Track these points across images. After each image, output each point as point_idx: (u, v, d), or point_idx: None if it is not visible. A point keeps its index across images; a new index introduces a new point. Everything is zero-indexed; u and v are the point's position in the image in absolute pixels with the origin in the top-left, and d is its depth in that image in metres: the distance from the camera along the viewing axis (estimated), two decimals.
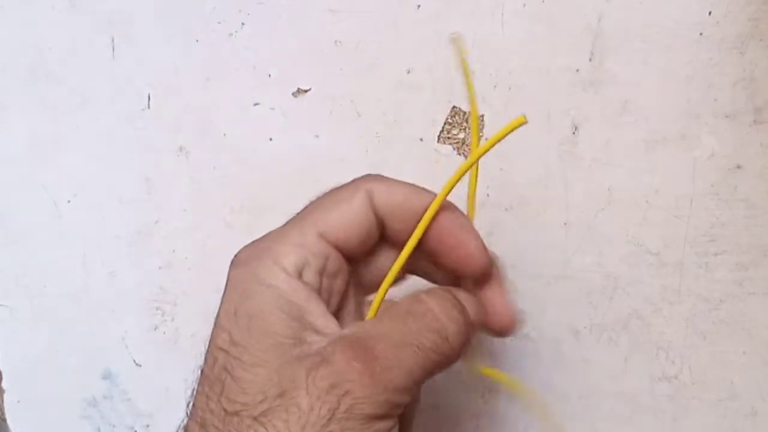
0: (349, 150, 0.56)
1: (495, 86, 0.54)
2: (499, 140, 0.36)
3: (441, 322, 0.34)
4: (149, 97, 0.58)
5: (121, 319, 0.60)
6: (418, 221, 0.36)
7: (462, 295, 0.36)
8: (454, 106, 0.55)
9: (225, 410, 0.32)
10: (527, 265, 0.55)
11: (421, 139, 0.55)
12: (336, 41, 0.56)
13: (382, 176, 0.38)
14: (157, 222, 0.59)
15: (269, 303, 0.33)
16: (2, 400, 0.61)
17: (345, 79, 0.56)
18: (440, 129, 0.55)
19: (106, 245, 0.59)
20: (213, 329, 0.34)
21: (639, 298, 0.54)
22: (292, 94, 0.57)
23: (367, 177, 0.38)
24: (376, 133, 0.56)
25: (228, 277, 0.35)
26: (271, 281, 0.33)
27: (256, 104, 0.57)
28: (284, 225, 0.37)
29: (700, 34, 0.51)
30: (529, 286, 0.55)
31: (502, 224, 0.55)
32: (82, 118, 0.59)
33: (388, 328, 0.33)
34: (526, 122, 0.32)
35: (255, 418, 0.31)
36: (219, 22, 0.57)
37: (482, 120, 0.54)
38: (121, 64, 0.59)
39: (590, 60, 0.53)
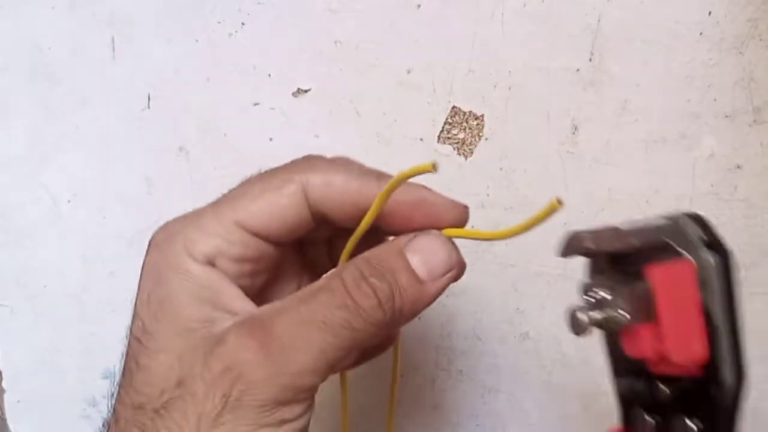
0: (349, 150, 0.56)
1: (495, 86, 0.54)
2: (533, 226, 0.34)
3: (352, 297, 0.31)
4: (149, 97, 0.58)
5: (121, 319, 0.60)
6: (361, 213, 0.34)
7: (412, 259, 0.33)
8: (454, 106, 0.55)
9: (132, 403, 0.30)
10: (527, 265, 0.55)
11: (421, 139, 0.55)
12: (336, 41, 0.56)
13: (321, 161, 0.35)
14: (157, 222, 0.59)
15: (179, 288, 0.32)
16: (2, 400, 0.61)
17: (345, 79, 0.56)
18: (440, 129, 0.55)
19: (106, 245, 0.59)
20: (132, 316, 0.33)
21: None
22: (292, 94, 0.57)
23: (304, 163, 0.35)
24: (376, 133, 0.56)
25: (144, 261, 0.34)
26: (181, 266, 0.32)
27: (256, 104, 0.57)
28: (206, 206, 0.35)
29: (700, 34, 0.51)
30: (529, 286, 0.55)
31: (502, 224, 0.55)
32: (82, 118, 0.59)
33: (293, 305, 0.31)
34: (561, 206, 0.30)
35: (156, 411, 0.29)
36: (219, 22, 0.57)
37: (482, 120, 0.54)
38: (121, 64, 0.59)
39: (590, 60, 0.53)
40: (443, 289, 0.33)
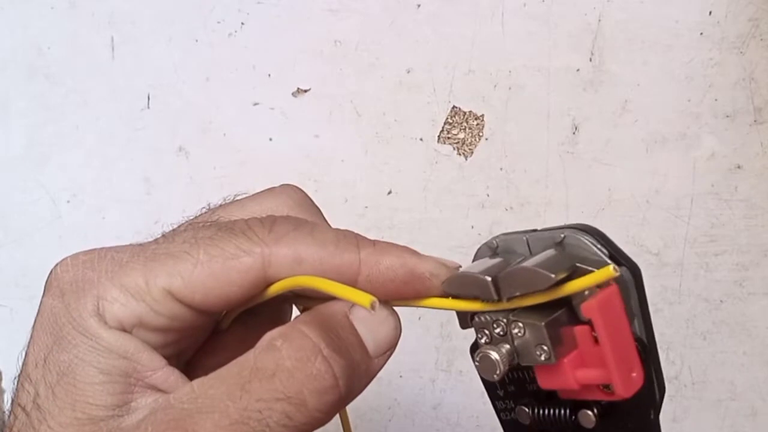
0: (349, 150, 0.56)
1: (495, 86, 0.54)
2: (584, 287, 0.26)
3: (295, 383, 0.24)
4: (149, 97, 0.58)
5: None
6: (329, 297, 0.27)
7: (357, 316, 0.27)
8: (454, 106, 0.55)
9: None
10: None
11: (421, 139, 0.55)
12: (336, 41, 0.56)
13: (287, 226, 0.27)
14: (157, 222, 0.59)
15: (85, 358, 0.25)
16: (2, 400, 0.61)
17: (345, 79, 0.56)
18: (440, 129, 0.55)
19: (105, 245, 0.59)
20: (19, 374, 0.27)
21: None
22: (292, 94, 0.57)
23: (267, 230, 0.27)
24: (376, 133, 0.56)
25: (41, 303, 0.27)
26: (90, 329, 0.25)
27: (256, 104, 0.57)
28: (134, 253, 0.27)
29: (701, 34, 0.51)
30: None
31: (502, 224, 0.55)
32: (82, 118, 0.59)
33: (221, 395, 0.24)
34: (616, 274, 0.24)
35: None
36: (219, 22, 0.57)
37: (482, 120, 0.54)
38: (121, 64, 0.59)
39: (590, 60, 0.53)
40: (382, 366, 0.28)
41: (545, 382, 0.27)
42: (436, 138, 0.55)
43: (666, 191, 0.52)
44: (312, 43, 0.56)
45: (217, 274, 0.26)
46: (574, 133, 0.53)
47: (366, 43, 0.55)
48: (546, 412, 0.29)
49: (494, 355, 0.26)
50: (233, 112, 0.57)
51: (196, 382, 0.25)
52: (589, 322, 0.26)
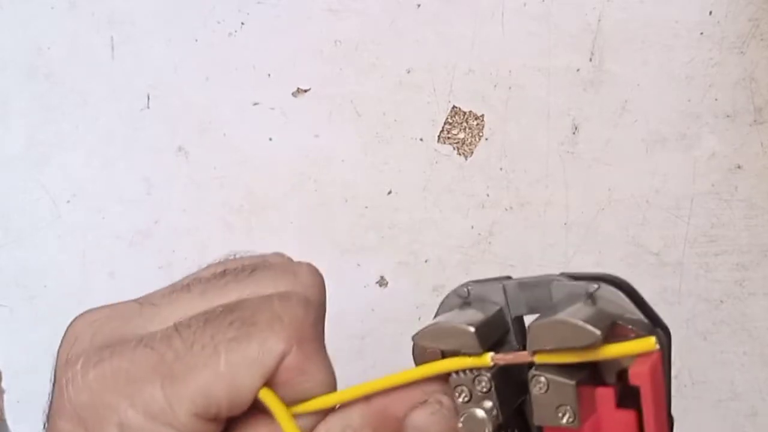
0: (349, 150, 0.56)
1: (495, 86, 0.54)
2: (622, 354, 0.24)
3: None
4: (149, 97, 0.58)
5: None
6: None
7: None
8: (454, 106, 0.55)
9: None
10: (527, 265, 0.55)
11: (421, 139, 0.55)
12: (336, 41, 0.56)
13: (314, 341, 0.26)
14: (156, 222, 0.59)
15: None
16: (2, 400, 0.61)
17: (345, 79, 0.56)
18: (440, 129, 0.55)
19: (106, 245, 0.59)
20: None
21: None
22: (292, 94, 0.57)
23: (282, 340, 0.25)
24: (376, 133, 0.56)
25: (58, 428, 0.25)
26: None
27: (255, 104, 0.57)
28: (150, 360, 0.25)
29: (701, 34, 0.51)
30: None
31: (502, 224, 0.55)
32: (82, 118, 0.59)
33: None
34: (657, 348, 0.23)
35: None
36: (219, 22, 0.57)
37: (482, 120, 0.54)
38: (121, 64, 0.59)
39: (590, 60, 0.53)
40: None
41: None
42: (436, 138, 0.55)
43: (666, 191, 0.52)
44: (312, 43, 0.56)
45: (239, 384, 0.24)
46: (574, 133, 0.53)
47: (366, 43, 0.55)
48: None
49: (480, 413, 0.24)
50: (233, 112, 0.57)
51: None
52: (616, 385, 0.24)
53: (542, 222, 0.54)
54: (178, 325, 0.25)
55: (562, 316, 0.23)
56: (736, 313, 0.52)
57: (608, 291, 0.25)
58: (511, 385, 0.25)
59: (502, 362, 0.24)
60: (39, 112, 0.60)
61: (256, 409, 0.25)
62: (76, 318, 0.27)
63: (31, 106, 0.60)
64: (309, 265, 0.28)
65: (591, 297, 0.25)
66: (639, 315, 0.25)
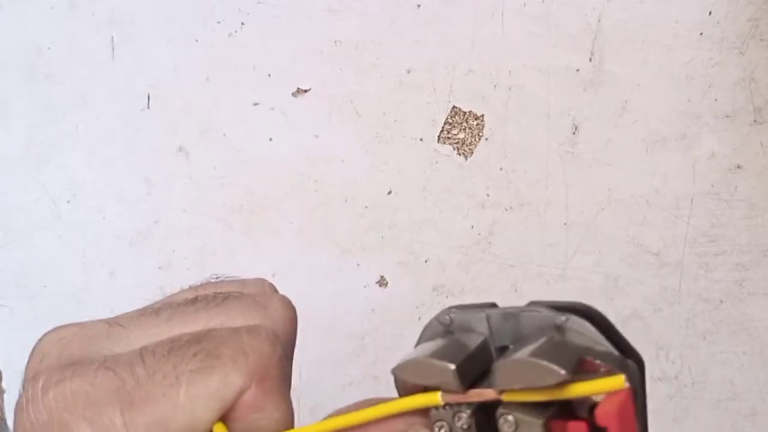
0: (349, 150, 0.56)
1: (495, 86, 0.54)
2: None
3: None
4: (149, 97, 0.58)
5: None
6: None
7: None
8: (454, 106, 0.55)
9: None
10: (527, 265, 0.55)
11: (421, 139, 0.55)
12: (336, 41, 0.56)
13: (268, 363, 0.26)
14: (157, 222, 0.59)
15: None
16: (2, 400, 0.61)
17: (345, 79, 0.56)
18: (440, 129, 0.55)
19: (106, 245, 0.59)
20: None
21: (639, 298, 0.54)
22: (292, 94, 0.57)
23: (250, 361, 0.25)
24: (376, 133, 0.56)
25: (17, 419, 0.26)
26: None
27: (256, 104, 0.57)
28: (111, 383, 0.26)
29: (701, 34, 0.51)
30: (529, 286, 0.55)
31: (502, 224, 0.55)
32: (82, 118, 0.59)
33: None
34: (627, 387, 0.23)
35: None
36: (219, 22, 0.57)
37: (482, 120, 0.54)
38: (121, 64, 0.59)
39: (590, 60, 0.53)
40: None
41: None
42: (436, 138, 0.55)
43: (666, 191, 0.52)
44: (312, 43, 0.56)
45: (197, 417, 0.24)
46: (574, 133, 0.53)
47: (366, 43, 0.55)
48: None
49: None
50: (233, 112, 0.57)
51: None
52: (588, 419, 0.23)
53: (542, 222, 0.54)
54: (143, 350, 0.25)
55: (525, 355, 0.23)
56: (736, 313, 0.52)
57: (576, 323, 0.24)
58: (491, 421, 0.24)
59: (454, 402, 0.24)
60: (39, 112, 0.59)
61: None
62: (44, 335, 0.27)
63: (31, 106, 0.60)
64: (282, 297, 0.28)
65: (559, 329, 0.24)
66: (608, 347, 0.24)
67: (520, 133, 0.54)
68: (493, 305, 0.26)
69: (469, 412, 0.24)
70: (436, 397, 0.24)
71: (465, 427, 0.24)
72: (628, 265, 0.53)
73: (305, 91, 0.57)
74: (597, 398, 0.23)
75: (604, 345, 0.24)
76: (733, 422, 0.53)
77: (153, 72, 0.58)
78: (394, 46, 0.55)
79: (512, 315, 0.26)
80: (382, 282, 0.56)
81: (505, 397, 0.23)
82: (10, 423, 0.61)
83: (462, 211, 0.55)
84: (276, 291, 0.29)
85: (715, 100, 0.51)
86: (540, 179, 0.54)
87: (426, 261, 0.56)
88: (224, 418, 0.25)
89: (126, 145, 0.59)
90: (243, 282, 0.29)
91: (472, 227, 0.55)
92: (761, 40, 0.50)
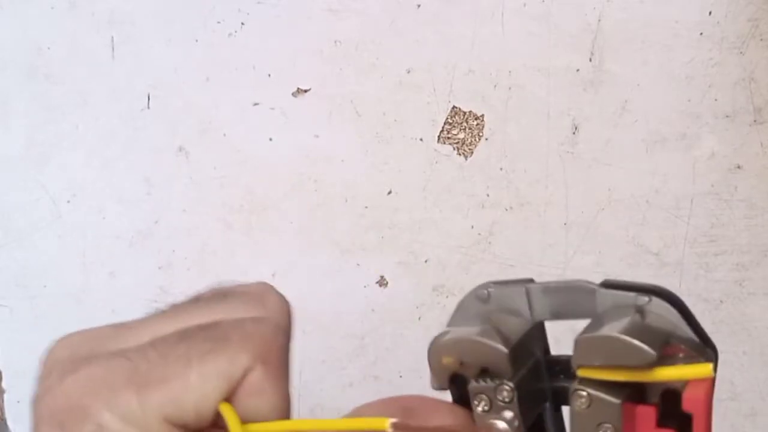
0: (349, 150, 0.56)
1: (495, 86, 0.54)
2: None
3: None
4: (149, 97, 0.58)
5: (121, 319, 0.60)
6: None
7: None
8: (454, 106, 0.55)
9: None
10: (527, 265, 0.55)
11: (421, 139, 0.55)
12: (336, 41, 0.56)
13: (272, 343, 0.27)
14: (157, 222, 0.59)
15: None
16: (2, 400, 0.61)
17: (345, 79, 0.56)
18: (440, 129, 0.55)
19: (106, 245, 0.59)
20: None
21: None
22: (292, 94, 0.57)
23: (254, 341, 0.27)
24: (376, 133, 0.56)
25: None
26: None
27: (256, 104, 0.57)
28: (127, 369, 0.27)
29: (700, 34, 0.51)
30: None
31: (502, 224, 0.55)
32: (82, 118, 0.59)
33: None
34: (713, 375, 0.22)
35: None
36: (219, 22, 0.57)
37: (482, 120, 0.54)
38: (121, 64, 0.59)
39: (590, 60, 0.53)
40: None
41: None
42: (436, 138, 0.55)
43: (666, 191, 0.52)
44: (312, 43, 0.56)
45: (208, 395, 0.26)
46: (574, 133, 0.53)
47: (366, 43, 0.55)
48: None
49: (502, 425, 0.24)
50: (233, 112, 0.57)
51: None
52: (658, 404, 0.23)
53: (542, 222, 0.54)
54: (154, 340, 0.27)
55: (614, 332, 0.22)
56: (736, 313, 0.52)
57: (659, 306, 0.24)
58: (532, 395, 0.24)
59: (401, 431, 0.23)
60: (39, 112, 0.59)
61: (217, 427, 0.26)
62: (53, 342, 0.28)
63: (31, 106, 0.60)
64: (280, 294, 0.29)
65: (640, 311, 0.24)
66: (691, 334, 0.24)
67: (520, 133, 0.54)
68: (531, 280, 0.26)
69: (511, 385, 0.24)
70: (385, 424, 0.23)
71: (507, 400, 0.24)
72: (628, 265, 0.53)
73: (305, 91, 0.57)
74: (674, 385, 0.23)
75: (686, 331, 0.24)
76: (733, 422, 0.53)
77: (153, 72, 0.58)
78: (394, 46, 0.55)
79: (553, 290, 0.25)
80: (382, 282, 0.56)
81: (581, 373, 0.23)
82: (10, 423, 0.61)
83: (462, 211, 0.55)
84: (274, 289, 0.30)
85: (715, 100, 0.51)
86: (540, 179, 0.54)
87: (426, 261, 0.56)
88: (228, 400, 0.25)
89: (126, 145, 0.59)
90: (242, 284, 0.30)
91: (472, 227, 0.55)
92: (761, 40, 0.50)
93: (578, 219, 0.53)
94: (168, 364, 0.26)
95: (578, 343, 0.23)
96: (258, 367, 0.26)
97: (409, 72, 0.55)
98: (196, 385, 0.26)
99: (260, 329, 0.27)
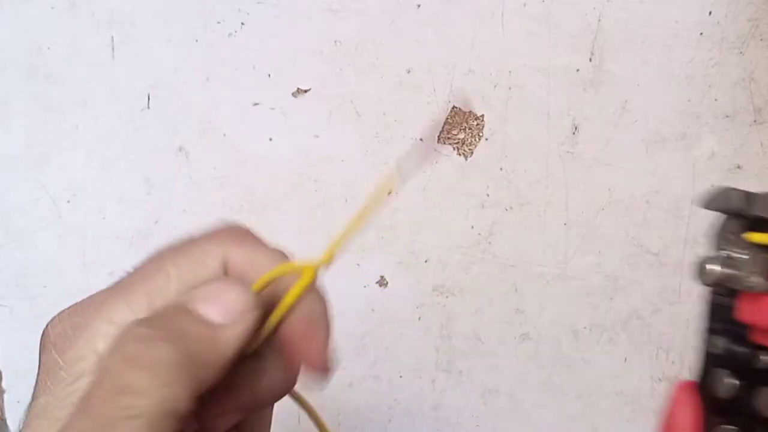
0: (349, 150, 0.56)
1: (495, 86, 0.54)
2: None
3: (134, 369, 0.25)
4: (149, 97, 0.58)
5: None
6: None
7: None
8: (454, 106, 0.55)
9: None
10: (527, 265, 0.55)
11: (421, 139, 0.55)
12: (336, 41, 0.56)
13: (241, 233, 0.30)
14: (157, 222, 0.59)
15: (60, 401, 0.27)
16: (2, 400, 0.61)
17: (345, 79, 0.56)
18: (440, 129, 0.55)
19: (106, 245, 0.59)
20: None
21: (639, 298, 0.54)
22: (292, 94, 0.57)
23: (222, 236, 0.30)
24: (376, 133, 0.56)
25: (40, 362, 0.28)
26: (87, 373, 0.27)
27: (256, 104, 0.57)
28: (110, 289, 0.29)
29: (700, 34, 0.51)
30: (529, 286, 0.55)
31: (502, 224, 0.55)
32: (82, 118, 0.59)
33: (73, 420, 0.25)
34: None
35: None
36: (219, 22, 0.57)
37: (482, 120, 0.54)
38: (121, 64, 0.59)
39: (590, 60, 0.53)
40: (249, 328, 0.28)
41: (743, 312, 0.28)
42: (436, 138, 0.55)
43: (666, 191, 0.52)
44: (312, 43, 0.56)
45: (187, 280, 0.28)
46: (574, 133, 0.53)
47: (366, 43, 0.55)
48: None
49: (710, 266, 0.29)
50: (233, 112, 0.57)
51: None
52: None
53: (542, 222, 0.54)
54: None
55: None
56: None
57: None
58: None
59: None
60: (39, 112, 0.59)
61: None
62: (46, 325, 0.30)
63: (31, 106, 0.59)
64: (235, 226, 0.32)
65: None
66: None
67: (520, 133, 0.54)
68: None
69: (749, 254, 0.28)
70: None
71: (732, 255, 0.28)
72: (628, 265, 0.53)
73: (305, 91, 0.57)
74: None
75: None
76: None
77: (153, 72, 0.58)
78: (394, 46, 0.55)
79: None
80: (382, 282, 0.56)
81: None
82: (10, 423, 0.61)
83: (462, 211, 0.55)
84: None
85: (715, 100, 0.51)
86: (540, 179, 0.54)
87: (426, 261, 0.56)
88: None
89: (126, 145, 0.59)
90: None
91: (472, 227, 0.55)
92: (761, 40, 0.50)
93: (578, 219, 0.53)
94: (147, 268, 0.29)
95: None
96: (233, 248, 0.29)
97: (409, 72, 0.55)
98: (174, 275, 0.28)
99: (225, 228, 0.30)
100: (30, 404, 0.27)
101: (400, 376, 0.57)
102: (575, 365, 0.55)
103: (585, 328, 0.54)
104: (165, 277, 0.28)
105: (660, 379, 0.54)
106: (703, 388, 0.31)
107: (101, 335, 0.27)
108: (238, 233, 0.30)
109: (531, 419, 0.56)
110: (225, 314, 0.27)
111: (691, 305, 0.53)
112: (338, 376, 0.58)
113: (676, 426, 0.31)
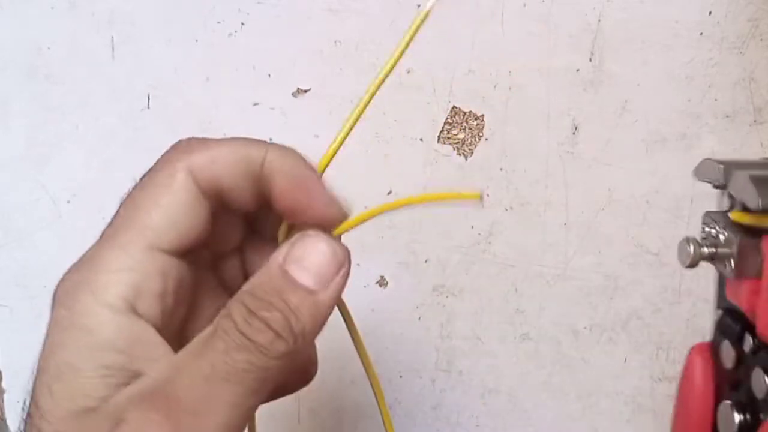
0: (349, 150, 0.56)
1: (495, 86, 0.54)
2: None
3: (247, 336, 0.27)
4: (149, 97, 0.58)
5: None
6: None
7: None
8: (454, 106, 0.55)
9: None
10: (527, 265, 0.55)
11: (421, 139, 0.55)
12: (336, 41, 0.56)
13: (196, 141, 0.31)
14: None
15: (83, 354, 0.27)
16: (2, 400, 0.61)
17: (345, 79, 0.56)
18: (440, 129, 0.55)
19: None
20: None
21: (639, 298, 0.54)
22: (292, 94, 0.57)
23: (178, 149, 0.31)
24: (376, 133, 0.56)
25: (50, 317, 0.29)
26: (91, 324, 0.27)
27: (256, 104, 0.57)
28: (101, 241, 0.31)
29: (700, 34, 0.51)
30: (529, 286, 0.55)
31: (502, 224, 0.55)
32: (82, 118, 0.59)
33: (189, 362, 0.26)
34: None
35: None
36: (219, 22, 0.57)
37: (482, 120, 0.54)
38: (121, 64, 0.59)
39: (590, 60, 0.53)
40: (340, 290, 0.30)
41: (728, 291, 0.30)
42: (436, 138, 0.55)
43: (666, 191, 0.52)
44: (312, 43, 0.56)
45: (168, 205, 0.29)
46: (574, 133, 0.53)
47: (366, 43, 0.55)
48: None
49: (690, 246, 0.29)
50: (233, 112, 0.57)
51: (165, 360, 0.27)
52: None
53: (542, 222, 0.54)
54: None
55: None
56: None
57: None
58: None
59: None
60: (39, 112, 0.59)
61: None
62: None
63: (31, 106, 0.59)
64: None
65: None
66: None
67: (520, 133, 0.54)
68: None
69: (727, 234, 0.28)
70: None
71: (715, 234, 0.29)
72: (628, 265, 0.53)
73: (305, 91, 0.57)
74: None
75: None
76: None
77: (153, 72, 0.58)
78: (394, 46, 0.55)
79: None
80: (382, 282, 0.56)
81: None
82: (10, 423, 0.61)
83: (462, 211, 0.55)
84: None
85: (715, 100, 0.51)
86: (540, 179, 0.54)
87: (426, 261, 0.56)
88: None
89: (126, 145, 0.59)
90: None
91: (472, 227, 0.55)
92: (761, 40, 0.51)
93: (578, 219, 0.53)
94: (125, 211, 0.31)
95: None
96: (191, 157, 0.30)
97: (409, 72, 0.55)
98: (158, 200, 0.30)
99: (171, 147, 0.32)
100: (44, 357, 0.28)
101: (400, 376, 0.57)
102: (575, 365, 0.55)
103: (585, 328, 0.54)
104: (145, 212, 0.29)
105: (660, 379, 0.54)
106: (714, 353, 0.31)
107: (104, 285, 0.28)
108: (186, 145, 0.31)
109: (531, 419, 0.56)
110: (319, 281, 0.29)
111: (691, 305, 0.53)
112: (339, 375, 0.58)
113: (692, 384, 0.31)
